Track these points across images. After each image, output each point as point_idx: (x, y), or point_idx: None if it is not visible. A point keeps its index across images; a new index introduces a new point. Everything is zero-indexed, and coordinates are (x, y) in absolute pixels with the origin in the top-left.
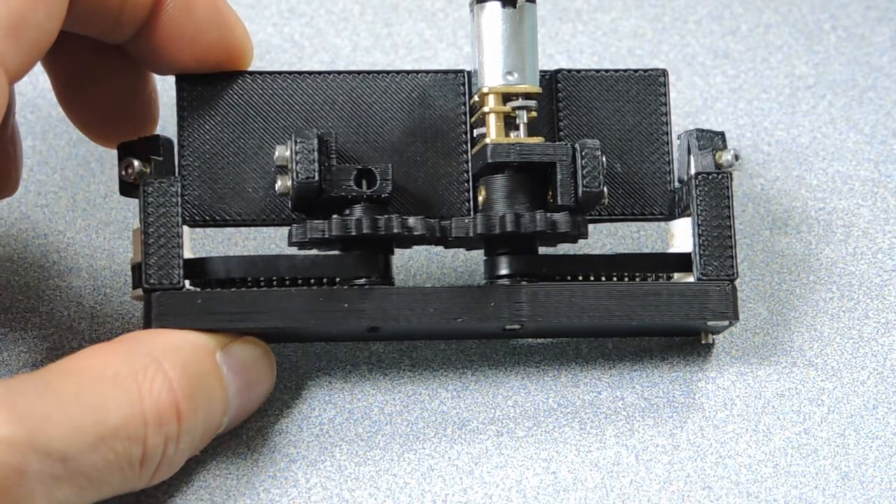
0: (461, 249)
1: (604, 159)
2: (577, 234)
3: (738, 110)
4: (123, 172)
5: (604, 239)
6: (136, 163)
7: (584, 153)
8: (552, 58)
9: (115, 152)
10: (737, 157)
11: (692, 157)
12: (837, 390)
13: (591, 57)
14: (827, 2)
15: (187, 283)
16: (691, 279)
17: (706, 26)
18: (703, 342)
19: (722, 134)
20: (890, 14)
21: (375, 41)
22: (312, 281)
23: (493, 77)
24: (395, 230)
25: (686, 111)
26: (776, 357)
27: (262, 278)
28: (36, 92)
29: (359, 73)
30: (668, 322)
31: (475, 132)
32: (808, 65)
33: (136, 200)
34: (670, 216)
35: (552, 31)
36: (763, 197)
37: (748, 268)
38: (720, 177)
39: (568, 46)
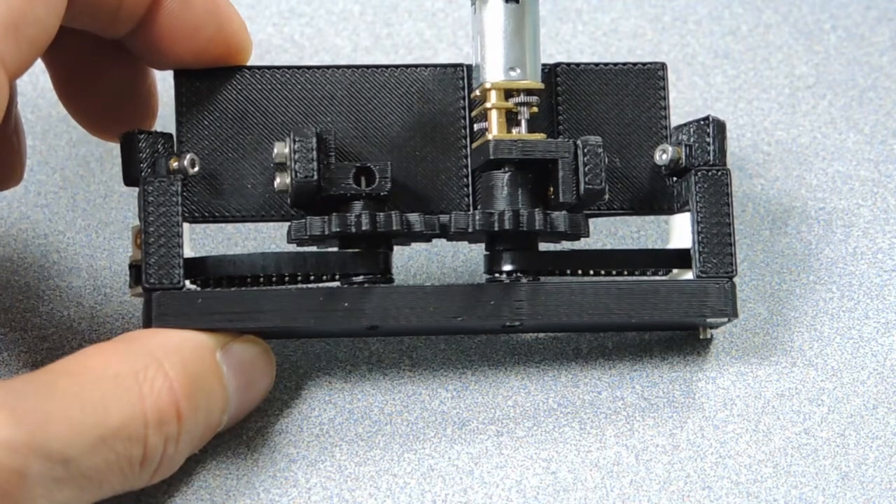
0: (461, 247)
1: (605, 156)
2: (579, 233)
3: (738, 110)
4: (191, 168)
5: (604, 239)
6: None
7: (586, 150)
8: (552, 57)
9: (115, 153)
10: (664, 153)
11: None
12: (837, 390)
13: (591, 57)
14: (827, 2)
15: (187, 282)
16: (690, 276)
17: (706, 26)
18: (701, 337)
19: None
20: (890, 14)
21: (375, 41)
22: (312, 278)
23: (495, 72)
24: (395, 227)
25: (686, 111)
26: (776, 357)
27: (261, 276)
28: (36, 91)
29: (357, 67)
30: (667, 319)
31: (475, 127)
32: (808, 65)
33: (136, 200)
34: (669, 211)
35: (552, 31)
36: (763, 197)
37: (748, 267)
38: (720, 173)
39: (568, 46)
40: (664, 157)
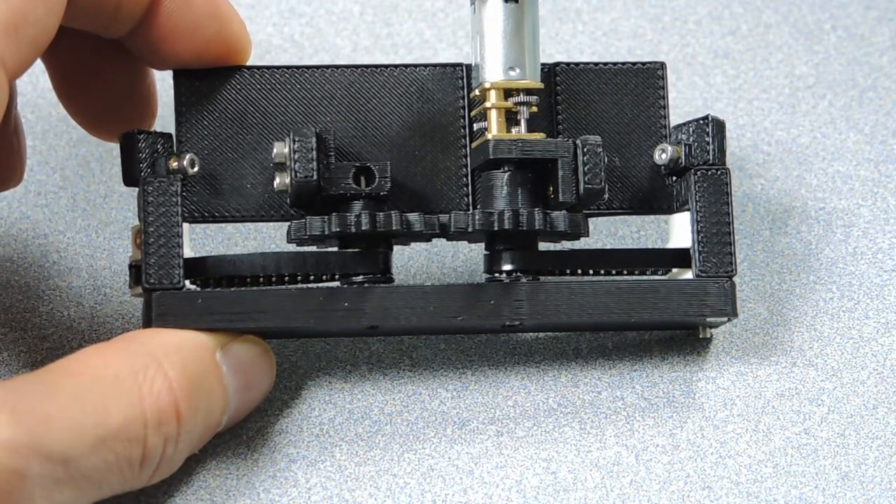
0: (461, 247)
1: (604, 155)
2: (579, 232)
3: (738, 110)
4: (192, 169)
5: (604, 239)
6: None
7: (585, 150)
8: (552, 57)
9: (115, 153)
10: (663, 152)
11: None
12: (837, 390)
13: (591, 57)
14: (827, 2)
15: (187, 282)
16: (690, 275)
17: (706, 26)
18: (700, 336)
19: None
20: (890, 14)
21: (375, 41)
22: (312, 278)
23: (494, 72)
24: (394, 226)
25: (686, 111)
26: (776, 357)
27: (261, 276)
28: (36, 92)
29: (357, 67)
30: (667, 319)
31: (475, 126)
32: (808, 65)
33: (136, 200)
34: (669, 210)
35: (552, 31)
36: (763, 197)
37: (748, 267)
38: (719, 172)
39: (568, 46)
40: (663, 156)
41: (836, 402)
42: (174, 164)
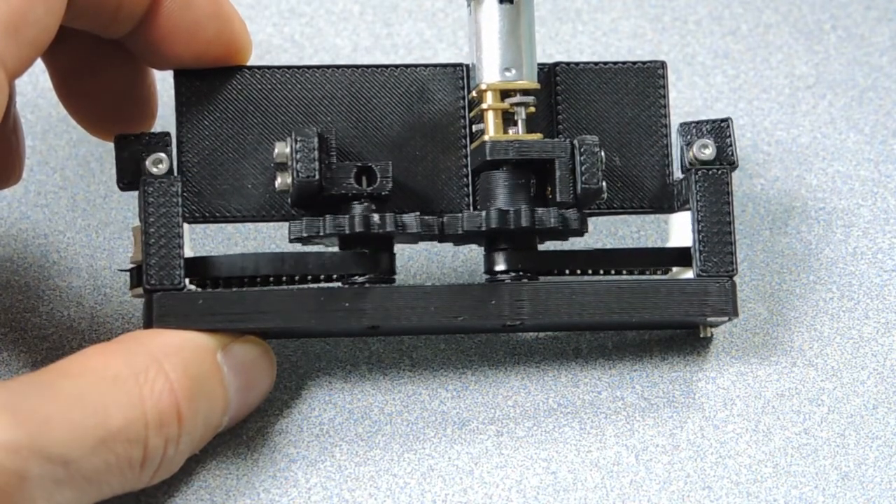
0: (461, 247)
1: (602, 154)
2: (577, 230)
3: (738, 110)
4: (154, 168)
5: (604, 239)
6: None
7: (582, 149)
8: (552, 57)
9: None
10: (705, 147)
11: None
12: (837, 390)
13: (591, 57)
14: (827, 2)
15: (187, 282)
16: (690, 275)
17: (706, 26)
18: (701, 336)
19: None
20: (890, 14)
21: (375, 41)
22: (311, 278)
23: (490, 73)
24: (387, 228)
25: (686, 111)
26: (776, 357)
27: (262, 277)
28: (36, 92)
29: (357, 67)
30: (667, 318)
31: (474, 127)
32: (808, 65)
33: (136, 200)
34: (669, 209)
35: (552, 31)
36: (763, 197)
37: (748, 267)
38: (720, 172)
39: (568, 46)
40: (706, 151)
41: (836, 402)
42: (145, 166)
